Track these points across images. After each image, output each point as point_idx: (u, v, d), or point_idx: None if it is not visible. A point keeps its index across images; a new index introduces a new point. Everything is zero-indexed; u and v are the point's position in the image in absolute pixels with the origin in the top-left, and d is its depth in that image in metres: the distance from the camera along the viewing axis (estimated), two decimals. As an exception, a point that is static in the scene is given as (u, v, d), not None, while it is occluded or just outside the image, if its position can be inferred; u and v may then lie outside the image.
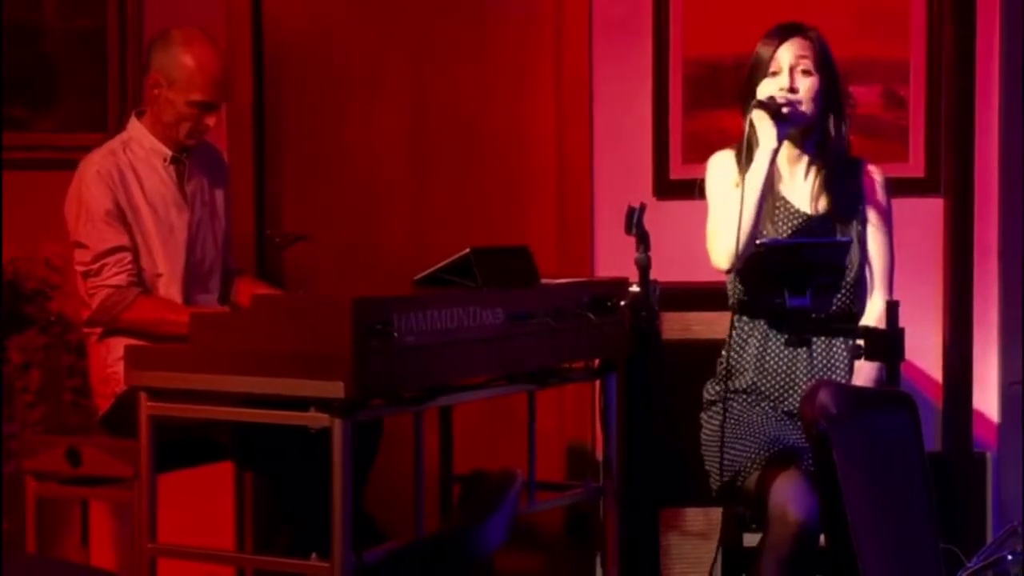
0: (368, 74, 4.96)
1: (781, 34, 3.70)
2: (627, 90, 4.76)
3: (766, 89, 3.64)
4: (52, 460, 3.90)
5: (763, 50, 3.69)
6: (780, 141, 3.60)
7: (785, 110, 3.58)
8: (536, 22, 4.87)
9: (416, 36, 4.94)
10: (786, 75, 3.65)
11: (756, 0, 4.63)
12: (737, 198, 3.57)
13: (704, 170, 3.80)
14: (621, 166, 4.77)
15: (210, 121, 4.01)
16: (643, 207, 3.45)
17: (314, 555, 3.22)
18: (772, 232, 3.67)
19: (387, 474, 4.00)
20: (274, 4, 4.95)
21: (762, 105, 3.58)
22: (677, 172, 4.70)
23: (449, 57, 4.93)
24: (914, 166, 4.66)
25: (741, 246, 3.55)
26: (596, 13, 4.76)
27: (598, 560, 4.38)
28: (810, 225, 3.70)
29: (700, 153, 4.50)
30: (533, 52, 4.88)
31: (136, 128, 4.06)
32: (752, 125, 3.63)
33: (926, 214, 4.63)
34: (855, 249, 3.68)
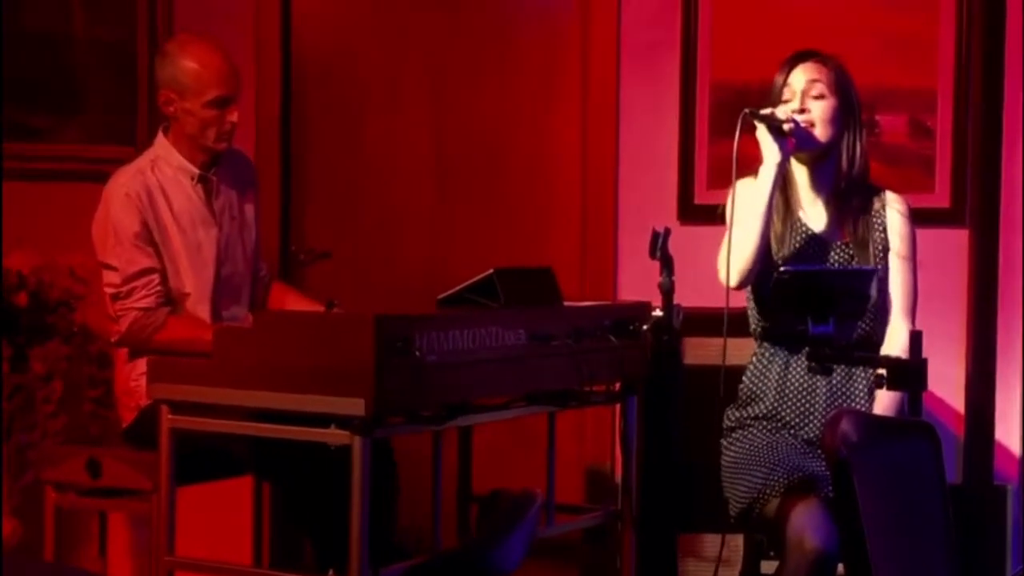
0: (391, 93, 4.97)
1: (793, 60, 3.70)
2: (653, 114, 4.76)
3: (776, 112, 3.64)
4: (72, 470, 3.91)
5: (777, 78, 3.69)
6: (784, 155, 3.59)
7: (787, 126, 3.58)
8: (562, 44, 4.87)
9: (440, 56, 4.95)
10: (797, 99, 3.65)
11: (784, 26, 4.63)
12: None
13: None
14: (646, 190, 4.77)
15: (232, 117, 3.95)
16: (668, 231, 3.45)
17: (331, 571, 3.22)
18: (788, 257, 3.66)
19: (406, 492, 3.99)
20: (302, 23, 4.97)
21: (758, 117, 3.57)
22: (702, 197, 4.69)
23: (473, 78, 4.94)
24: (939, 196, 4.64)
25: (748, 261, 3.55)
26: (624, 36, 4.76)
27: (614, 583, 4.36)
28: (828, 251, 3.69)
29: (725, 178, 4.48)
30: (559, 74, 4.88)
31: (163, 146, 4.02)
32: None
33: (951, 245, 4.61)
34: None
